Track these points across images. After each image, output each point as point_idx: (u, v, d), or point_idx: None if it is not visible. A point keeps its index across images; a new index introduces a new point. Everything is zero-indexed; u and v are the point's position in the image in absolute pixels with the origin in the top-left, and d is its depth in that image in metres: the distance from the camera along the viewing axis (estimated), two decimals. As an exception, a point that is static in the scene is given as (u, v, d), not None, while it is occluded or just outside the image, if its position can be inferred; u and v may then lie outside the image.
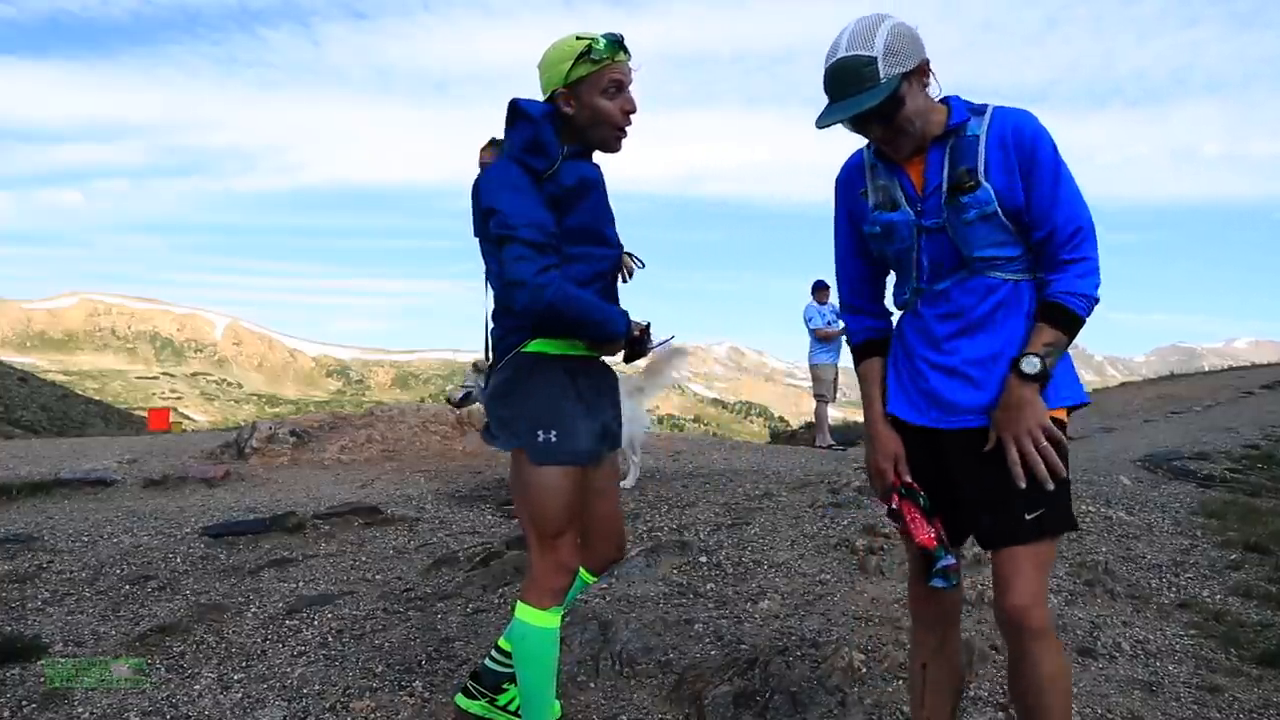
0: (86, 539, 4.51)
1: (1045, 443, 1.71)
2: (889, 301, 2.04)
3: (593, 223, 2.11)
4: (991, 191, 1.74)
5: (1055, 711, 1.77)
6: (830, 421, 10.06)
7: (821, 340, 9.52)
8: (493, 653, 2.41)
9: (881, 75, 1.68)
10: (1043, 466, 1.71)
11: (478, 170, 2.15)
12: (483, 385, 5.35)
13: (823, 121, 1.74)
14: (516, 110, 2.07)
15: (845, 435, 11.50)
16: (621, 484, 5.26)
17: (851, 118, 1.73)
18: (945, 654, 2.00)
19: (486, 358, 2.25)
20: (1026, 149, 1.74)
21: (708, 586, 3.56)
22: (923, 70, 1.75)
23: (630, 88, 2.08)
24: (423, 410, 9.71)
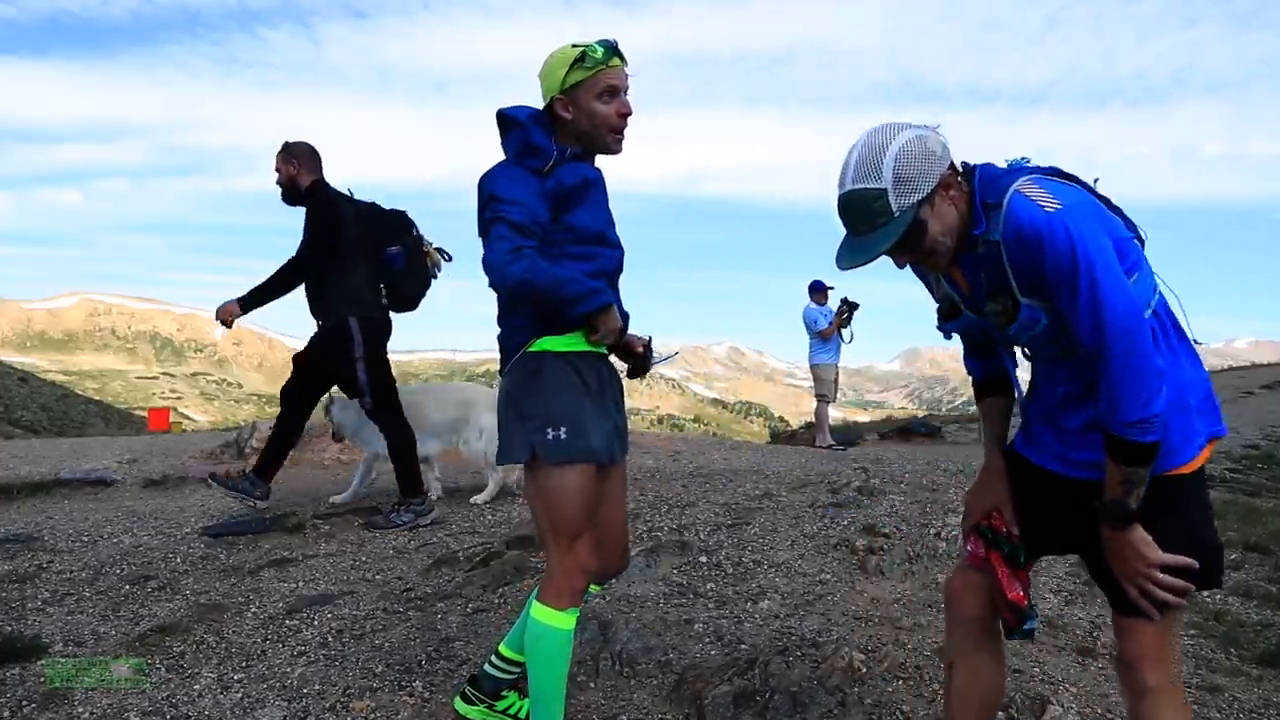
0: (86, 539, 4.51)
1: (1156, 580, 1.57)
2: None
3: (595, 223, 2.14)
4: (1035, 307, 1.59)
5: None
6: (830, 421, 10.06)
7: (824, 340, 9.53)
8: (493, 658, 2.41)
9: (894, 208, 1.55)
10: (1158, 600, 1.58)
11: (481, 172, 2.18)
12: (341, 419, 5.33)
13: (843, 264, 1.62)
14: (504, 119, 2.15)
15: (845, 435, 11.51)
16: (474, 499, 5.34)
17: (875, 258, 1.60)
18: (980, 660, 1.85)
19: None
20: (1034, 261, 1.54)
21: (708, 586, 3.56)
22: (945, 184, 1.59)
23: (626, 92, 2.12)
24: (423, 410, 9.71)
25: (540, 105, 2.16)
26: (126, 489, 6.29)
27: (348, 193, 4.73)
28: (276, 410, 5.00)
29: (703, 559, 3.89)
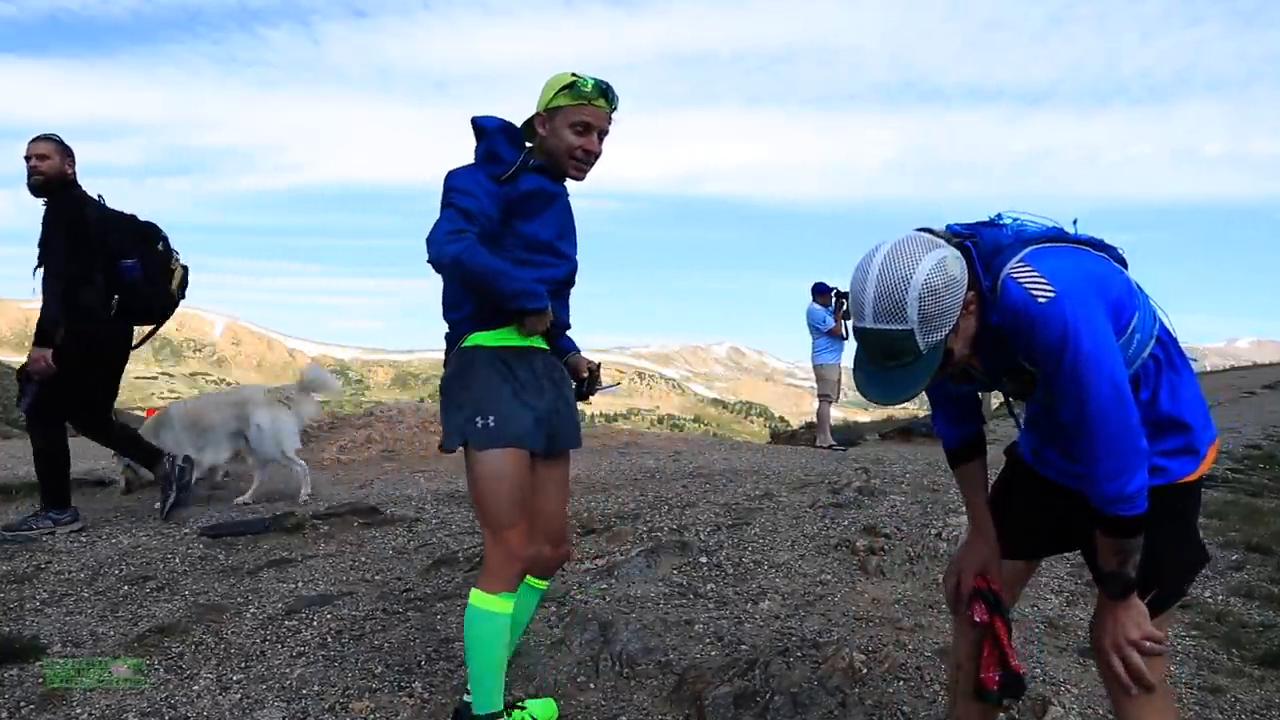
0: (85, 539, 4.50)
1: (1137, 656, 1.57)
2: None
3: (545, 232, 2.25)
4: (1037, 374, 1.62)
5: None
6: (831, 421, 10.06)
7: (834, 337, 9.52)
8: (470, 685, 2.39)
9: (922, 347, 1.50)
10: (1132, 676, 1.59)
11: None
12: (134, 470, 5.34)
13: (875, 399, 1.59)
14: (474, 126, 2.30)
15: (845, 435, 11.50)
16: (238, 500, 5.48)
17: (908, 398, 1.61)
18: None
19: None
20: (1024, 346, 1.57)
21: (708, 587, 3.55)
22: (966, 304, 1.54)
23: (604, 137, 2.28)
24: (422, 410, 9.72)
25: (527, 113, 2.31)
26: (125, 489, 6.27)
27: (98, 198, 4.54)
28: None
29: (703, 559, 3.88)
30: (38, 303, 4.58)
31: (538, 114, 2.27)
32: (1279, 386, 14.28)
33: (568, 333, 2.43)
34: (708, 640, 2.97)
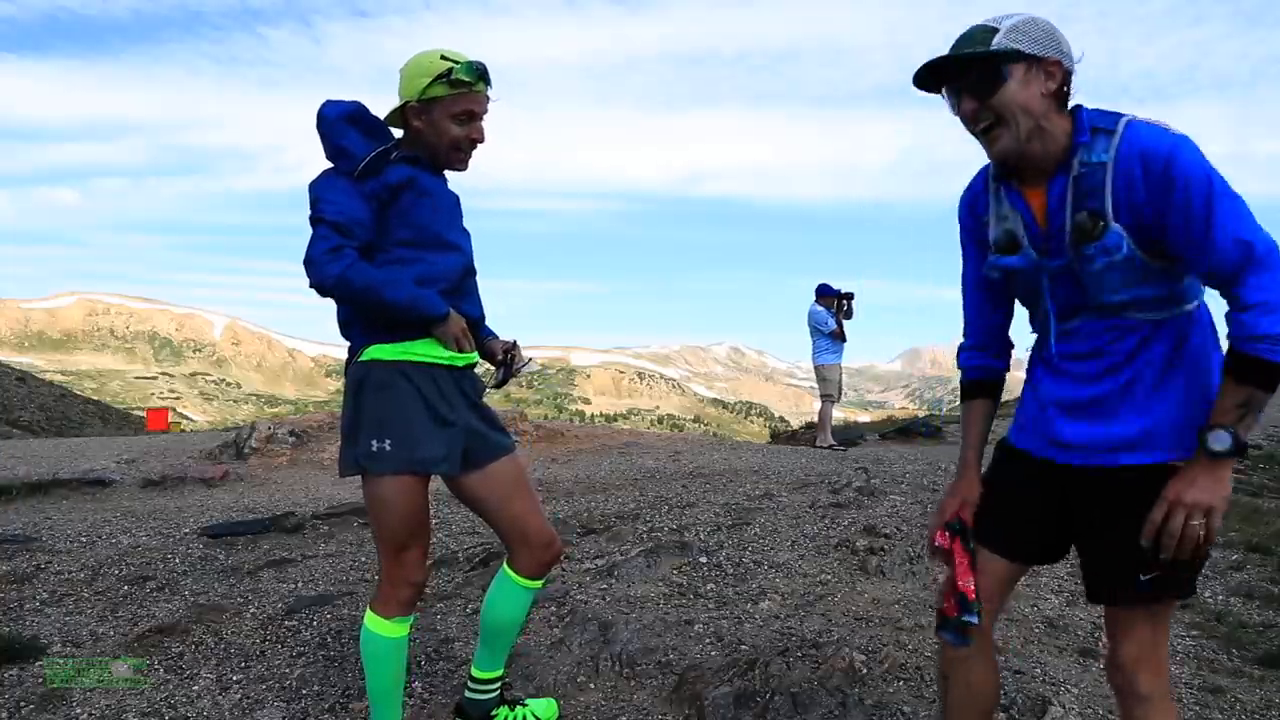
0: (85, 539, 4.50)
1: (1201, 527, 1.48)
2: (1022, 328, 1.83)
3: (433, 225, 2.08)
4: (1123, 234, 1.52)
5: None
6: (832, 422, 10.06)
7: (836, 339, 9.53)
8: (469, 684, 2.40)
9: (994, 43, 1.52)
10: (1174, 543, 1.49)
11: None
12: None
13: (920, 71, 1.59)
14: (317, 118, 2.08)
15: (845, 435, 11.50)
16: None
17: (947, 74, 1.58)
18: (972, 666, 1.81)
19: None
20: (1157, 181, 1.47)
21: (708, 587, 3.55)
22: (1051, 66, 1.54)
23: (483, 118, 2.11)
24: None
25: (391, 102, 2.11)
26: (125, 489, 6.28)
27: None
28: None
29: (703, 559, 3.88)
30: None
31: (408, 104, 2.06)
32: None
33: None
34: (708, 640, 2.97)
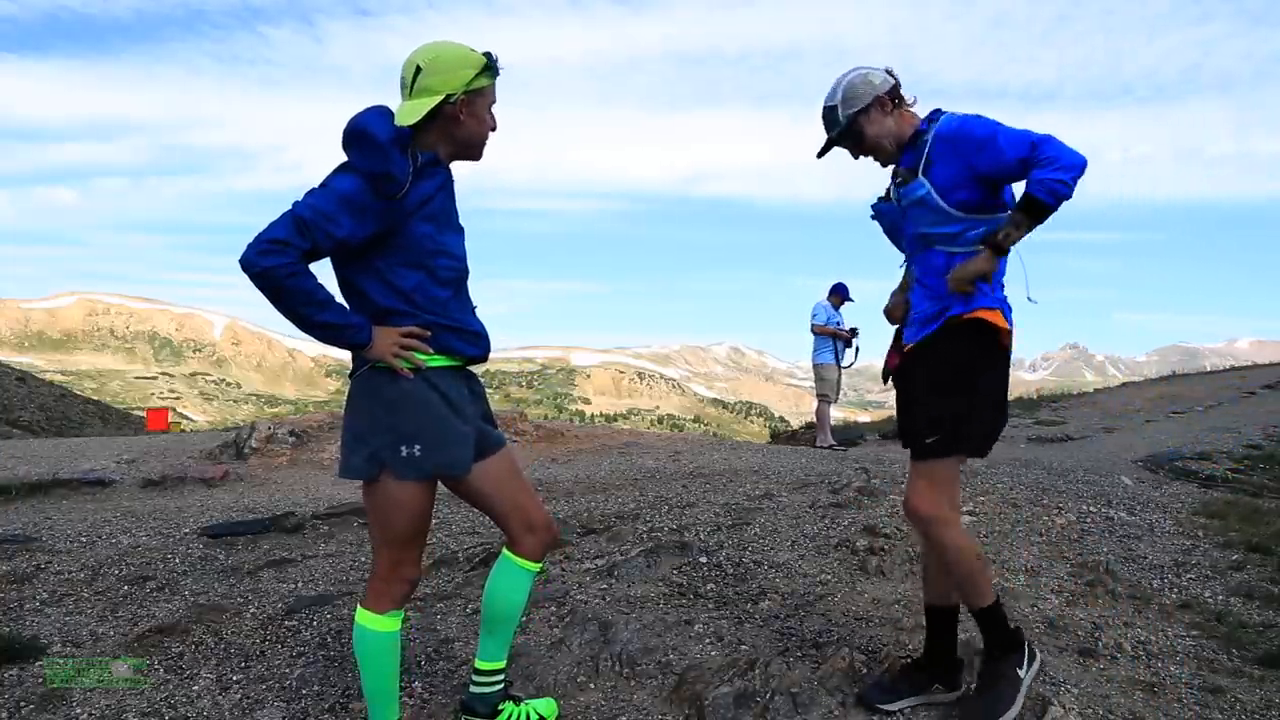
0: (85, 539, 4.50)
1: (961, 282, 2.27)
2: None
3: (450, 213, 2.12)
4: (925, 184, 2.30)
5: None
6: (831, 422, 10.05)
7: (823, 337, 9.53)
8: (474, 678, 2.39)
9: (841, 118, 2.41)
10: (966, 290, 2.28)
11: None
12: None
13: (819, 152, 2.53)
14: (357, 134, 1.99)
15: (845, 435, 11.50)
16: None
17: (832, 146, 2.48)
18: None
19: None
20: (964, 137, 2.25)
21: (708, 587, 3.55)
22: (880, 103, 2.38)
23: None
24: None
25: (395, 99, 2.08)
26: (125, 489, 6.28)
27: None
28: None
29: (703, 559, 3.88)
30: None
31: (457, 98, 2.03)
32: (1278, 387, 14.26)
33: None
34: (708, 640, 2.97)
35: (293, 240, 1.88)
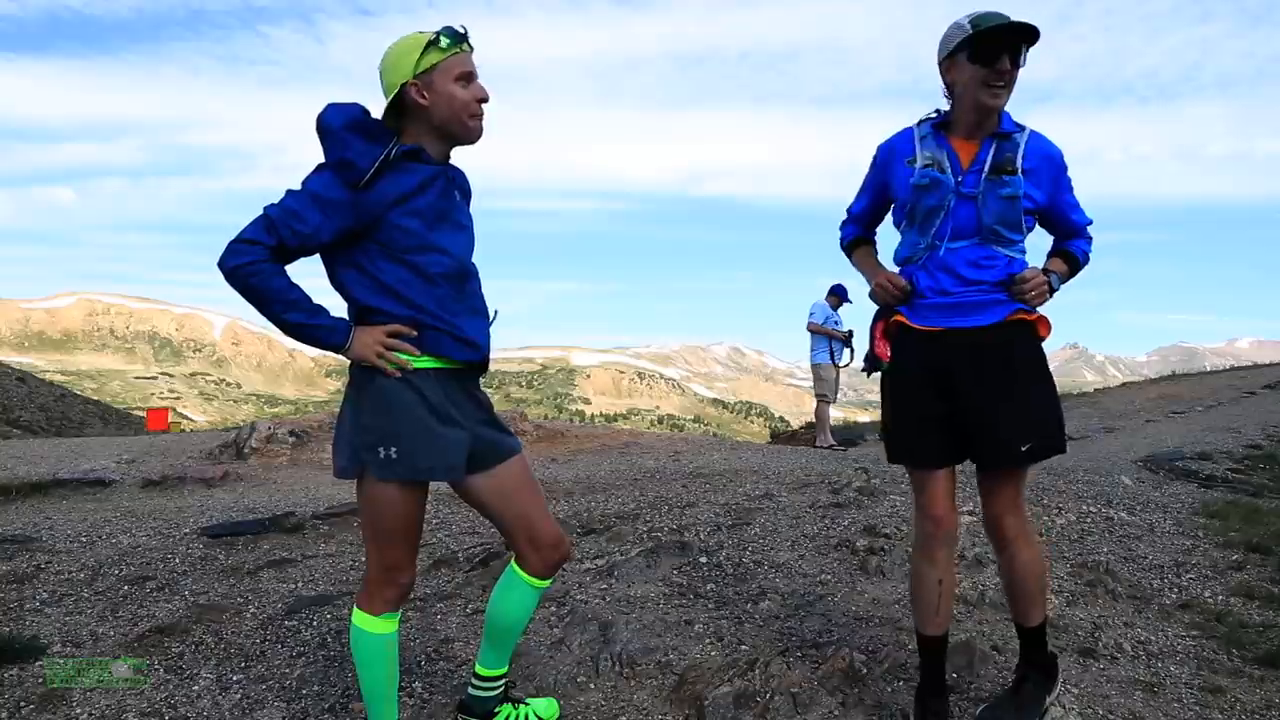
0: (85, 539, 4.49)
1: (1027, 290, 2.28)
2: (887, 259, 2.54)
3: (443, 209, 2.06)
4: (1023, 184, 2.24)
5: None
6: (831, 422, 10.06)
7: (818, 336, 9.53)
8: (473, 680, 2.39)
9: (1023, 56, 2.20)
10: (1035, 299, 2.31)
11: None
12: None
13: (1022, 24, 2.11)
14: (319, 127, 2.00)
15: (845, 435, 11.50)
16: None
17: (1015, 32, 2.13)
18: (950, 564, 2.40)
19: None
20: (1059, 168, 2.33)
21: (708, 587, 3.55)
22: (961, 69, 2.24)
23: (477, 79, 2.06)
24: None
25: (377, 105, 2.06)
26: (125, 489, 6.28)
27: None
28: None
29: (703, 559, 3.88)
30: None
31: (409, 84, 1.99)
32: (1279, 386, 14.25)
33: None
34: (708, 640, 2.97)
35: (259, 238, 1.90)
